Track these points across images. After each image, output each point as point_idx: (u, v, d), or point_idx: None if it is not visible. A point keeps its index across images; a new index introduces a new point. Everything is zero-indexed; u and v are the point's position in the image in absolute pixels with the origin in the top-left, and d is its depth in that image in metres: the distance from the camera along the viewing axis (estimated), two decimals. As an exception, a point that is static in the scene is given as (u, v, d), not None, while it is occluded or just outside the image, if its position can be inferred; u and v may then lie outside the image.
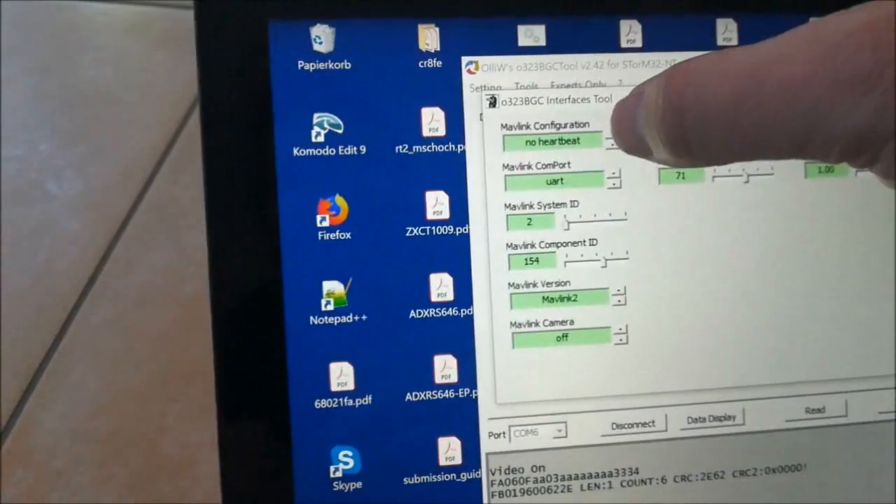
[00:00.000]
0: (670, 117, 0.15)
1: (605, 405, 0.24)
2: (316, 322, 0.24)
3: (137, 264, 0.49)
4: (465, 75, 0.24)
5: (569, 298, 0.24)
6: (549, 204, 0.24)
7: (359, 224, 0.24)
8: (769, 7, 0.24)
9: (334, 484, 0.24)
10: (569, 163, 0.24)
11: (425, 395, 0.24)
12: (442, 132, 0.24)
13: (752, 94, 0.14)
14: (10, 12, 0.65)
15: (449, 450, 0.24)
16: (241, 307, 0.23)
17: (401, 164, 0.24)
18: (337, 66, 0.24)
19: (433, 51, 0.24)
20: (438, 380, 0.24)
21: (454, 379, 0.24)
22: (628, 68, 0.24)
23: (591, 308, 0.24)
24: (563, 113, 0.24)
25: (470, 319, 0.24)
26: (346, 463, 0.24)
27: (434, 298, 0.24)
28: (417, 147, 0.24)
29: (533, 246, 0.24)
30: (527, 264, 0.24)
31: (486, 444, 0.24)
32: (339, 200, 0.24)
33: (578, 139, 0.24)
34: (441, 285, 0.24)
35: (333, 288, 0.24)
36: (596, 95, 0.24)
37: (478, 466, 0.24)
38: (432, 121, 0.24)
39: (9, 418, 0.43)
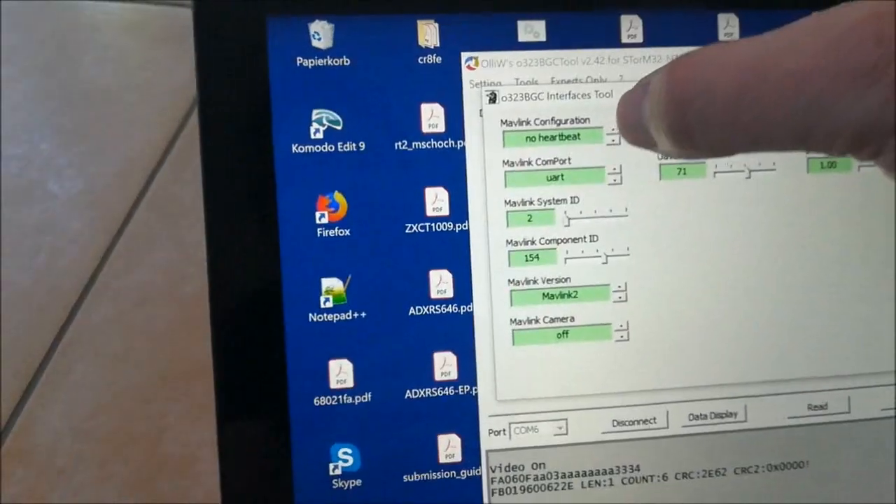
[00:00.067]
0: (673, 109, 0.15)
1: (605, 402, 0.24)
2: (315, 319, 0.23)
3: (138, 263, 0.49)
4: (464, 71, 0.24)
5: (569, 295, 0.24)
6: (549, 200, 0.24)
7: (358, 221, 0.24)
8: (771, 2, 0.24)
9: (334, 481, 0.24)
10: (569, 159, 0.24)
11: (425, 393, 0.24)
12: (441, 128, 0.24)
13: (753, 86, 0.14)
14: (10, 11, 0.65)
15: (449, 447, 0.24)
16: (239, 304, 0.23)
17: (400, 161, 0.24)
18: (336, 62, 0.23)
19: (433, 47, 0.24)
20: (438, 377, 0.24)
21: (454, 376, 0.24)
22: (629, 64, 0.24)
23: (592, 305, 0.24)
24: (564, 109, 0.24)
25: (470, 316, 0.24)
26: (346, 460, 0.24)
27: (434, 295, 0.24)
28: (417, 143, 0.24)
29: (533, 242, 0.24)
30: (527, 261, 0.24)
31: (486, 442, 0.24)
32: (338, 197, 0.24)
33: (579, 135, 0.24)
34: (441, 282, 0.24)
35: (332, 285, 0.24)
36: (596, 91, 0.24)
37: (478, 464, 0.24)
38: (432, 117, 0.24)
39: (9, 417, 0.43)
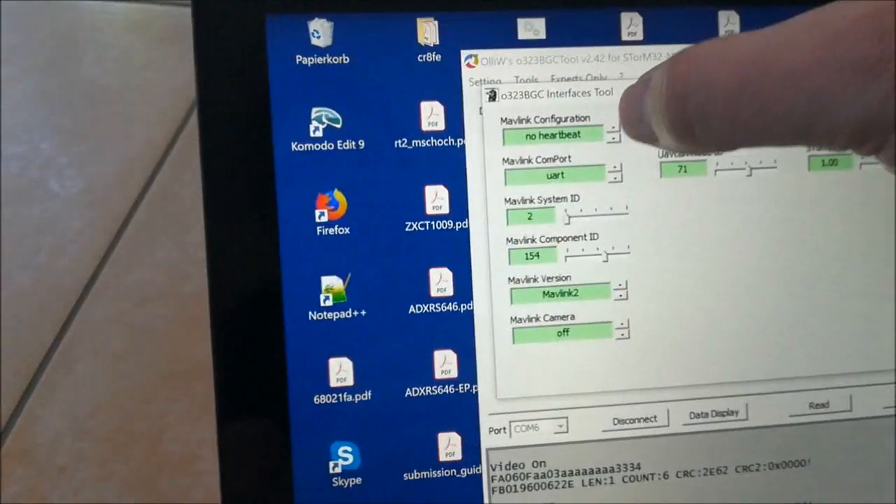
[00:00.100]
0: (674, 104, 0.15)
1: (606, 400, 0.24)
2: (315, 318, 0.23)
3: (138, 263, 0.49)
4: (464, 69, 0.24)
5: (570, 293, 0.24)
6: (549, 198, 0.24)
7: (358, 219, 0.24)
8: (771, -2, 0.24)
9: (334, 480, 0.24)
10: (569, 157, 0.24)
11: (425, 391, 0.24)
12: (441, 126, 0.24)
13: (754, 81, 0.14)
14: (11, 10, 0.65)
15: (449, 445, 0.24)
16: (239, 303, 0.23)
17: (400, 159, 0.24)
18: (335, 60, 0.23)
19: (432, 44, 0.24)
20: (438, 375, 0.24)
21: (454, 374, 0.24)
22: (629, 61, 0.24)
23: (593, 303, 0.24)
24: (564, 106, 0.24)
25: (470, 314, 0.24)
26: (346, 459, 0.24)
27: (434, 293, 0.24)
28: (416, 141, 0.24)
29: (533, 240, 0.24)
30: (527, 259, 0.24)
31: (487, 440, 0.24)
32: (338, 195, 0.24)
33: (579, 133, 0.24)
34: (441, 280, 0.24)
35: (332, 283, 0.23)
36: (597, 89, 0.24)
37: (478, 462, 0.24)
38: (431, 115, 0.24)
39: (10, 416, 0.43)
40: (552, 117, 0.24)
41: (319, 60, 0.23)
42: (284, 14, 0.23)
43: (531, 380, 0.24)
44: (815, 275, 0.25)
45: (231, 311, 0.23)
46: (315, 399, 0.23)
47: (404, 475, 0.24)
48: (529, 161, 0.24)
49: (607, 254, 0.24)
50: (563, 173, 0.24)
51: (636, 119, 0.17)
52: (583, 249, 0.24)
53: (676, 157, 0.24)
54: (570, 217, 0.24)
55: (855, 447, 0.25)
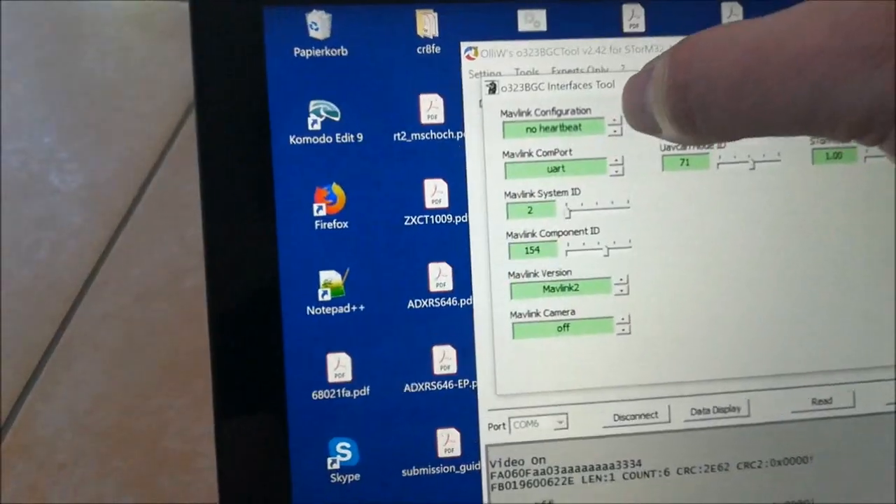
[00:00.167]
0: (675, 92, 0.15)
1: (606, 396, 0.24)
2: (313, 312, 0.23)
3: (139, 257, 0.49)
4: (464, 61, 0.24)
5: (570, 288, 0.24)
6: (550, 192, 0.24)
7: (356, 213, 0.23)
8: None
9: (332, 476, 0.23)
10: (570, 150, 0.24)
11: (424, 387, 0.24)
12: (441, 119, 0.24)
13: (756, 69, 0.14)
14: (12, 5, 0.64)
15: (448, 441, 0.24)
16: (237, 298, 0.23)
17: (399, 152, 0.23)
18: (333, 52, 0.23)
19: (431, 36, 0.23)
20: (437, 371, 0.24)
21: (453, 370, 0.24)
22: (631, 53, 0.24)
23: (593, 298, 0.24)
24: (565, 99, 0.24)
25: (469, 309, 0.24)
26: (344, 455, 0.23)
27: (433, 288, 0.24)
28: (416, 134, 0.23)
29: (533, 234, 0.24)
30: (527, 253, 0.24)
31: (486, 436, 0.24)
32: (337, 189, 0.23)
33: (580, 126, 0.24)
34: (440, 275, 0.24)
35: (331, 278, 0.23)
36: (598, 81, 0.24)
37: (477, 458, 0.24)
38: (431, 108, 0.23)
39: (10, 412, 0.42)
40: (553, 110, 0.24)
41: (318, 53, 0.23)
42: (282, 6, 0.23)
43: (531, 375, 0.24)
44: (819, 269, 0.24)
45: (229, 307, 0.23)
46: (313, 395, 0.23)
47: (403, 471, 0.24)
48: (530, 154, 0.24)
49: (608, 248, 0.24)
50: (563, 167, 0.24)
51: (638, 109, 0.16)
52: (583, 244, 0.24)
53: (679, 150, 0.24)
54: (570, 211, 0.24)
55: (858, 444, 0.25)
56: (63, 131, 0.57)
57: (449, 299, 0.24)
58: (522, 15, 0.24)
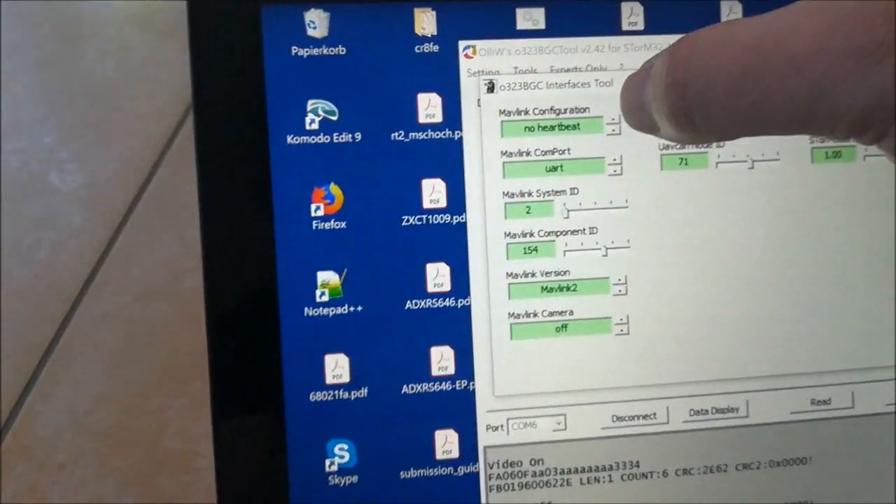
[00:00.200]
0: (673, 90, 0.15)
1: (605, 397, 0.24)
2: (310, 313, 0.23)
3: (139, 257, 0.49)
4: (462, 60, 0.23)
5: (568, 288, 0.24)
6: (548, 191, 0.24)
7: (354, 213, 0.23)
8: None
9: (330, 478, 0.23)
10: (569, 149, 0.24)
11: (422, 388, 0.23)
12: (439, 118, 0.23)
13: (754, 68, 0.14)
14: (13, 5, 0.64)
15: (446, 443, 0.24)
16: (235, 299, 0.23)
17: (397, 152, 0.23)
18: (331, 51, 0.23)
19: (430, 35, 0.23)
20: (435, 372, 0.23)
21: (451, 371, 0.23)
22: (630, 52, 0.24)
23: (592, 298, 0.24)
24: (563, 98, 0.24)
25: (467, 310, 0.24)
26: (342, 457, 0.23)
27: (431, 289, 0.23)
28: (413, 134, 0.23)
29: (532, 235, 0.24)
30: (525, 253, 0.24)
31: (484, 438, 0.24)
32: (334, 189, 0.23)
33: (578, 125, 0.24)
34: (438, 275, 0.23)
35: (328, 278, 0.23)
36: (596, 80, 0.24)
37: (475, 460, 0.24)
38: (429, 107, 0.23)
39: (10, 412, 0.42)
40: (551, 109, 0.24)
41: (315, 52, 0.23)
42: (280, 4, 0.23)
43: (529, 376, 0.24)
44: (818, 269, 0.24)
45: (226, 307, 0.23)
46: (311, 396, 0.23)
47: (401, 473, 0.23)
48: (528, 154, 0.24)
49: (607, 248, 0.24)
50: (562, 166, 0.24)
51: (637, 108, 0.16)
52: (582, 244, 0.24)
53: (677, 149, 0.24)
54: (569, 211, 0.24)
55: (857, 444, 0.24)
56: (63, 131, 0.57)
57: (447, 300, 0.23)
58: (521, 13, 0.24)
